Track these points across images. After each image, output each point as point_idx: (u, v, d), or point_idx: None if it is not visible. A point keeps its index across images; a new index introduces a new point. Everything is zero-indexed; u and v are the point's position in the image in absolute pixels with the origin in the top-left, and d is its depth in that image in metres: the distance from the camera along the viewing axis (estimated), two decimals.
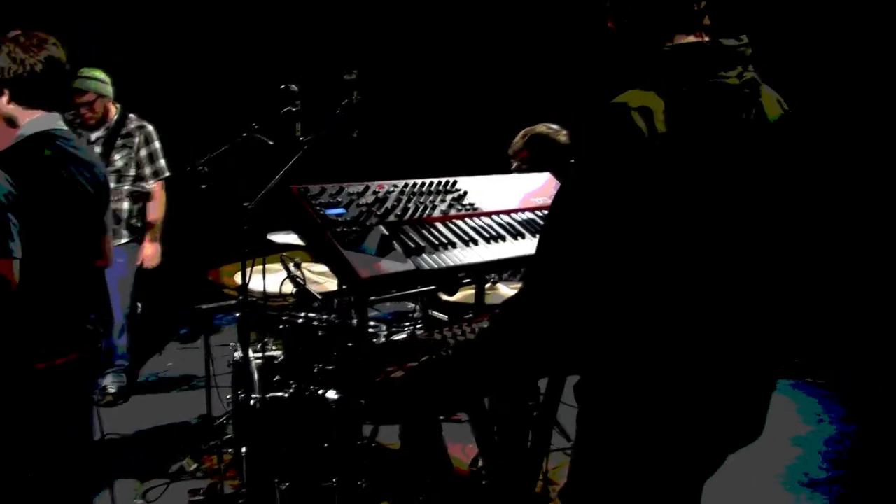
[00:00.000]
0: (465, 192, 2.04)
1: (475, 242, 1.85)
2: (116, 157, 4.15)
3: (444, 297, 2.99)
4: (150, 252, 4.33)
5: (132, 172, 4.20)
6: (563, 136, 3.22)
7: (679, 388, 1.41)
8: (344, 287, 2.71)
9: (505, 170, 3.29)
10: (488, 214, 2.01)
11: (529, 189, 2.22)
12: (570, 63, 5.44)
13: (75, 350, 2.21)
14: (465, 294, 3.08)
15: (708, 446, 1.50)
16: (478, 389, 1.53)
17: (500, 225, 1.98)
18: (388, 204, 1.85)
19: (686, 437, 1.44)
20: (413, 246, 1.72)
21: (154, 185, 4.28)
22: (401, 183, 1.95)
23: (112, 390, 4.31)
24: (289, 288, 2.96)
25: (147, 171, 4.24)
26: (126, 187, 4.19)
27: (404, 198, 1.89)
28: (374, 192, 1.86)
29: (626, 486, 1.48)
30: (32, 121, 2.17)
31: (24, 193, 2.03)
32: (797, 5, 5.14)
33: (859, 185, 5.20)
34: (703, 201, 1.34)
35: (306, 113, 2.82)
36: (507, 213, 2.07)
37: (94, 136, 4.12)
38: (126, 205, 4.21)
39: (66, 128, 2.25)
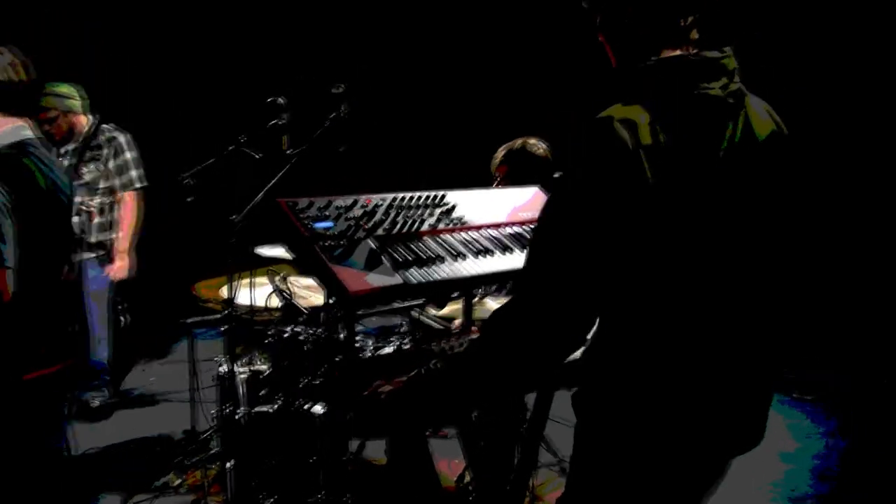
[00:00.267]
0: (454, 206, 2.06)
1: (463, 257, 1.87)
2: (85, 170, 4.09)
3: (433, 311, 3.00)
4: (118, 265, 4.21)
5: (102, 185, 4.14)
6: (541, 150, 3.27)
7: (679, 393, 1.43)
8: (331, 301, 2.72)
9: (493, 182, 3.32)
10: (477, 228, 2.03)
11: (518, 203, 2.25)
12: (557, 74, 5.49)
13: (55, 362, 2.20)
14: (452, 308, 3.09)
15: (710, 453, 1.51)
16: (467, 402, 1.53)
17: (488, 239, 2.00)
18: (377, 218, 1.86)
19: (688, 441, 1.45)
20: (401, 260, 1.74)
21: (125, 197, 4.20)
22: (389, 196, 1.97)
23: (95, 404, 4.28)
24: (275, 302, 2.96)
25: (117, 182, 4.17)
26: (97, 200, 4.13)
27: (393, 211, 1.91)
28: (363, 206, 1.88)
29: (628, 497, 1.49)
30: (5, 131, 2.18)
31: (14, 201, 2.03)
32: (795, 8, 5.20)
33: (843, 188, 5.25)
34: (691, 211, 1.36)
35: (293, 126, 2.83)
36: (496, 227, 2.09)
37: (63, 149, 4.07)
38: (97, 219, 4.15)
39: (34, 136, 2.25)
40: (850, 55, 5.21)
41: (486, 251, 1.93)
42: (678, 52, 1.44)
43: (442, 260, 1.82)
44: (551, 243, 1.38)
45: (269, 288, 3.03)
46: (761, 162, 1.46)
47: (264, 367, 3.10)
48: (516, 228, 2.13)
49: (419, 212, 1.97)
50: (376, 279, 1.66)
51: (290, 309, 2.95)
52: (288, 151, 2.65)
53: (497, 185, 3.28)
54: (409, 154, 5.99)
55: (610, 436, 1.47)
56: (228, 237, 2.72)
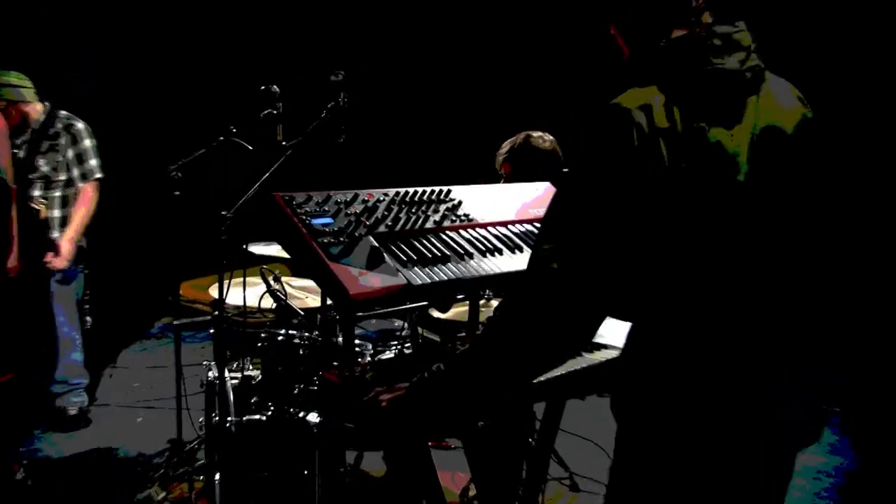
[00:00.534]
0: (460, 203, 2.06)
1: (470, 256, 1.87)
2: (41, 161, 4.07)
3: (436, 314, 3.00)
4: (61, 251, 4.07)
5: (62, 177, 4.11)
6: (546, 143, 3.25)
7: (729, 388, 1.42)
8: (329, 302, 2.72)
9: (499, 177, 3.32)
10: (484, 226, 2.03)
11: (527, 199, 2.25)
12: (566, 67, 5.50)
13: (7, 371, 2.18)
14: (457, 311, 3.09)
15: (771, 450, 1.50)
16: (472, 402, 1.54)
17: (496, 237, 2.00)
18: (378, 214, 1.86)
19: (749, 439, 1.44)
20: (404, 259, 1.74)
21: (86, 187, 4.17)
22: (392, 192, 1.96)
23: (72, 412, 4.27)
24: (268, 303, 2.97)
25: (76, 173, 4.14)
26: (57, 194, 4.11)
27: (395, 207, 1.91)
28: (364, 201, 1.88)
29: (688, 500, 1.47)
30: None
31: None
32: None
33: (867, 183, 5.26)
34: (714, 194, 1.36)
35: (289, 116, 2.84)
36: (505, 224, 2.09)
37: (18, 140, 4.04)
38: (57, 213, 4.12)
39: None
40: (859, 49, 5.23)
41: (494, 250, 1.93)
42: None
43: (447, 259, 1.82)
44: (562, 234, 1.38)
45: (262, 288, 3.03)
46: (785, 144, 1.46)
47: (256, 372, 3.10)
48: (526, 226, 2.13)
49: (423, 208, 1.97)
50: (378, 280, 1.66)
51: (284, 311, 2.95)
52: (283, 143, 2.64)
53: (503, 182, 3.28)
54: (409, 152, 6.02)
55: (661, 441, 1.46)
56: (219, 233, 2.72)
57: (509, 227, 2.09)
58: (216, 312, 2.89)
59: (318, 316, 3.02)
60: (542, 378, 1.76)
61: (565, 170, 3.19)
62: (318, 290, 3.09)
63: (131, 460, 3.90)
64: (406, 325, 3.06)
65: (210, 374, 3.17)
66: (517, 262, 1.93)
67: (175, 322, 3.49)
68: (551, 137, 3.29)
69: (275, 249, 3.14)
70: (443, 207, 2.01)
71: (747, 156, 1.40)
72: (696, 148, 1.35)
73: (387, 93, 5.72)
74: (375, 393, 1.61)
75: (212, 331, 3.07)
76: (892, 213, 5.33)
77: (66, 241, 4.11)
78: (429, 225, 1.92)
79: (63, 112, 4.19)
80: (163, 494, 3.45)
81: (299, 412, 2.81)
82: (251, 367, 3.16)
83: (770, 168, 1.43)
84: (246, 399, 3.02)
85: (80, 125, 4.18)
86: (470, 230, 1.99)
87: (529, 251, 1.97)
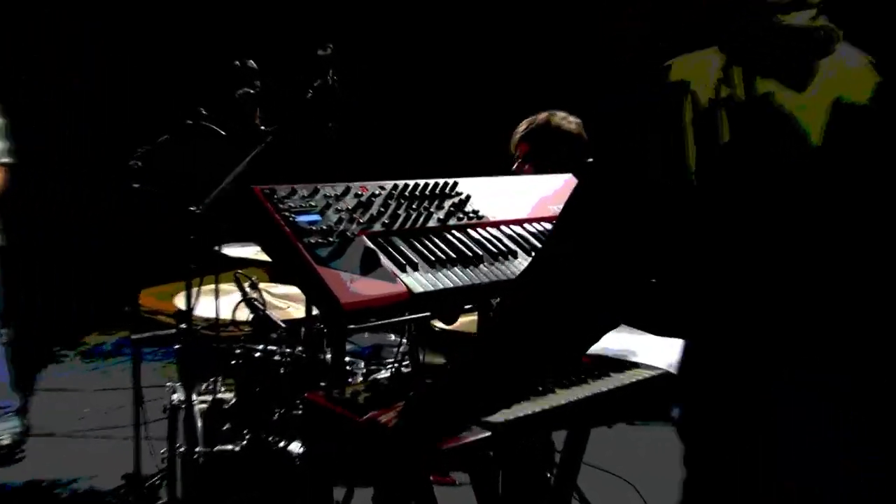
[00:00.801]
0: (468, 197, 2.08)
1: (480, 259, 1.89)
2: None
3: (441, 326, 3.02)
4: None
5: None
6: (571, 125, 3.28)
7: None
8: (315, 313, 2.75)
9: (510, 170, 3.34)
10: (496, 225, 2.06)
11: (546, 193, 2.27)
12: (581, 50, 5.57)
13: None
14: (464, 322, 3.10)
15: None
16: (484, 405, 1.59)
17: (510, 238, 2.03)
18: (374, 210, 1.88)
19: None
20: (404, 262, 1.76)
21: None
22: (389, 184, 1.98)
23: (5, 441, 4.27)
24: (244, 314, 2.99)
25: None
26: None
27: (393, 203, 1.93)
28: (357, 195, 1.90)
29: None
30: None
31: None
32: None
33: None
34: (782, 176, 1.37)
35: (268, 96, 2.86)
36: (520, 223, 2.11)
37: None
38: None
39: None
40: None
41: (507, 252, 1.95)
42: None
43: (454, 263, 1.84)
44: (585, 234, 1.41)
45: (237, 297, 3.05)
46: (860, 116, 1.46)
47: (228, 395, 3.13)
48: (545, 225, 2.15)
49: (426, 203, 1.99)
50: (374, 287, 1.68)
51: (262, 323, 2.97)
52: (262, 128, 2.67)
53: (516, 169, 3.30)
54: (411, 141, 6.10)
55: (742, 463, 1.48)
56: (186, 233, 2.74)
57: (525, 226, 2.11)
58: (182, 325, 2.93)
59: (303, 329, 3.04)
60: (561, 402, 1.80)
61: (590, 159, 3.23)
62: (303, 298, 3.11)
63: (79, 499, 3.91)
64: (404, 339, 3.08)
65: (174, 397, 3.19)
66: None
67: (134, 336, 3.50)
68: (578, 119, 3.31)
69: (252, 251, 3.17)
70: (448, 203, 2.03)
71: (820, 129, 1.41)
72: (760, 118, 1.36)
73: (386, 75, 5.82)
74: (372, 416, 1.64)
75: (177, 347, 3.10)
76: None
77: None
78: (432, 223, 1.94)
79: None
80: None
81: (279, 441, 2.83)
82: (223, 389, 3.18)
83: (844, 145, 1.43)
84: (217, 426, 3.05)
85: None
86: (479, 229, 2.01)
87: None
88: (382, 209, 1.90)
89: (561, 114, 3.31)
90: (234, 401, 3.08)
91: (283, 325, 2.99)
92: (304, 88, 2.62)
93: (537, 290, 1.46)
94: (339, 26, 6.30)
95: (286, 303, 3.31)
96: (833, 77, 1.45)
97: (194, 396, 3.07)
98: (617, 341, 2.05)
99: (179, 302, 3.06)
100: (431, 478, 2.52)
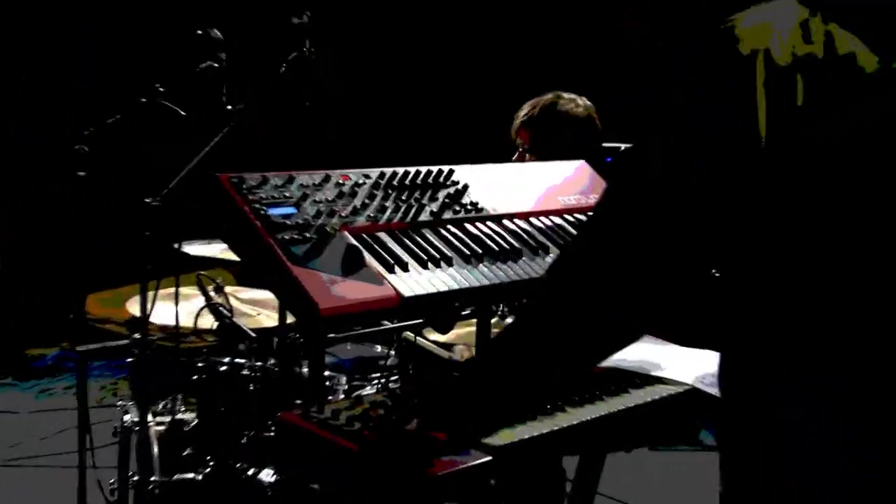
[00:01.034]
0: (466, 187, 2.09)
1: (479, 258, 1.90)
2: None
3: (434, 337, 3.03)
4: None
5: None
6: (579, 108, 3.28)
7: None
8: (290, 321, 2.75)
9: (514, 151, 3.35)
10: (497, 219, 2.07)
11: (555, 182, 2.28)
12: (581, 50, 5.68)
13: None
14: (461, 333, 3.12)
15: None
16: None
17: (514, 234, 2.03)
18: (357, 201, 1.88)
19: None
20: (392, 262, 1.77)
21: None
22: (374, 172, 1.98)
23: None
24: (208, 321, 2.99)
25: None
26: None
27: (379, 193, 1.94)
28: (338, 185, 1.90)
29: None
30: None
31: None
32: None
33: None
34: (871, 161, 1.37)
35: (235, 71, 2.86)
36: (525, 216, 2.12)
37: None
38: None
39: None
40: None
41: (510, 251, 1.96)
42: None
43: (449, 263, 1.84)
44: (621, 238, 1.45)
45: (200, 302, 3.06)
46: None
47: (190, 415, 3.13)
48: (554, 219, 2.16)
49: (417, 194, 1.99)
50: (357, 290, 1.68)
51: (228, 332, 2.97)
52: (228, 107, 2.67)
53: (517, 158, 3.30)
54: (401, 125, 6.17)
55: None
56: (141, 228, 2.75)
57: (531, 220, 2.12)
58: (136, 335, 2.93)
59: (275, 339, 3.05)
60: (573, 422, 1.81)
61: (606, 144, 3.24)
62: (276, 303, 3.12)
63: None
64: (392, 350, 3.09)
65: (126, 418, 3.19)
66: (541, 266, 1.96)
67: (79, 348, 3.50)
68: (587, 102, 3.32)
69: (217, 250, 3.17)
70: (443, 194, 2.03)
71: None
72: (842, 88, 1.35)
73: (371, 50, 5.92)
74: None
75: (129, 360, 3.10)
76: None
77: None
78: (424, 217, 1.95)
79: None
80: None
81: (249, 468, 2.84)
82: (183, 409, 3.19)
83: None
84: (176, 451, 3.05)
85: None
86: (479, 224, 2.02)
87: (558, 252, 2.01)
88: (367, 201, 1.90)
89: (568, 95, 3.29)
90: (195, 422, 3.08)
91: (252, 334, 3.00)
92: (276, 61, 2.63)
93: (568, 290, 1.49)
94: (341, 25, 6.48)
95: (256, 309, 3.31)
96: None
97: (149, 417, 3.07)
98: (637, 353, 2.05)
99: (133, 308, 3.06)
100: None
